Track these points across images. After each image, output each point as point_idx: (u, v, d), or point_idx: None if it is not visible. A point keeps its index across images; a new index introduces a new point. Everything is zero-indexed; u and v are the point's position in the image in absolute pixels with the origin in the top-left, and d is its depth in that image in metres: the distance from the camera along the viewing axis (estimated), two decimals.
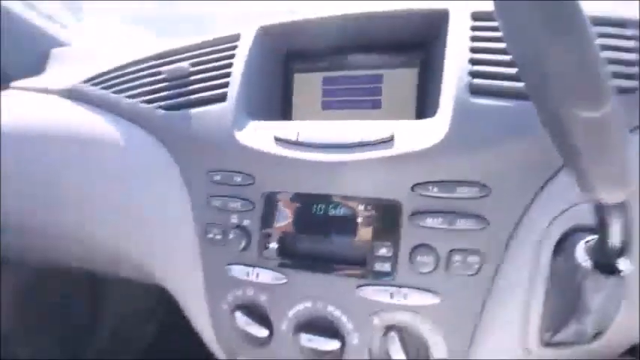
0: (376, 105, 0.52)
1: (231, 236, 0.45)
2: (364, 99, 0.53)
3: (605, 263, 0.32)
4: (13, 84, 0.79)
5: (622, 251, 0.31)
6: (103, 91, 0.59)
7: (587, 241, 0.34)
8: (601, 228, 0.29)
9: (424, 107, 0.49)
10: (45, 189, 0.59)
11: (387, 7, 0.47)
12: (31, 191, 0.60)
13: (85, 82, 0.62)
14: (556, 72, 0.23)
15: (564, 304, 0.37)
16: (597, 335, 0.38)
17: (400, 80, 0.51)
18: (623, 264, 0.32)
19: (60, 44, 0.89)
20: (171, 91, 0.52)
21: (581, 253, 0.34)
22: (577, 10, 0.22)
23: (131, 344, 1.11)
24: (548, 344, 0.40)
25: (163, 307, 1.15)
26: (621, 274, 0.32)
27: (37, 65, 0.84)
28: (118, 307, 1.08)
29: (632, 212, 0.29)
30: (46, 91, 0.68)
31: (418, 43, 0.49)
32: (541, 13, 0.22)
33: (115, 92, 0.57)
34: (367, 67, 0.53)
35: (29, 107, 0.67)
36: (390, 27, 0.48)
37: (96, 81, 0.60)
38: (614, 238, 0.29)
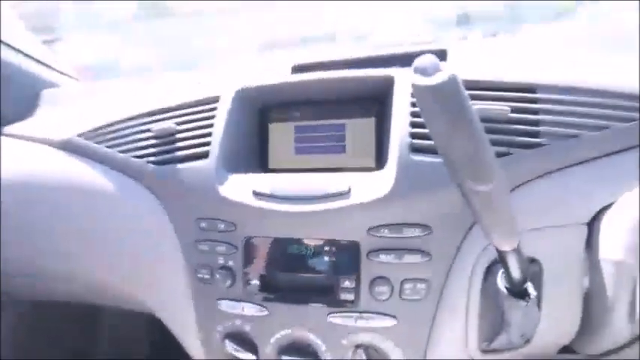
0: (341, 150, 0.60)
1: (218, 276, 0.53)
2: (331, 144, 0.61)
3: (517, 289, 0.41)
4: (5, 130, 0.83)
5: (524, 281, 0.40)
6: (97, 145, 0.65)
7: (502, 272, 0.42)
8: (503, 266, 0.38)
9: (382, 151, 0.57)
10: (48, 236, 0.65)
11: (343, 73, 0.56)
12: (32, 238, 0.66)
13: (79, 135, 0.68)
14: (456, 156, 0.32)
15: (494, 319, 0.46)
16: (527, 341, 0.47)
17: (360, 128, 0.59)
18: (530, 289, 0.41)
19: (48, 85, 0.94)
20: (160, 148, 0.59)
21: (500, 281, 0.43)
22: (468, 117, 0.30)
23: None
24: (486, 351, 0.49)
25: (156, 332, 1.20)
26: (529, 297, 0.41)
27: (26, 109, 0.89)
28: (113, 331, 1.13)
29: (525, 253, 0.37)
30: (41, 141, 0.74)
31: (374, 98, 0.57)
32: (441, 120, 0.30)
33: (107, 147, 0.64)
34: (332, 116, 0.60)
35: (25, 157, 0.73)
36: (348, 87, 0.57)
37: (90, 135, 0.66)
38: (514, 273, 0.38)
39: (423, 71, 0.29)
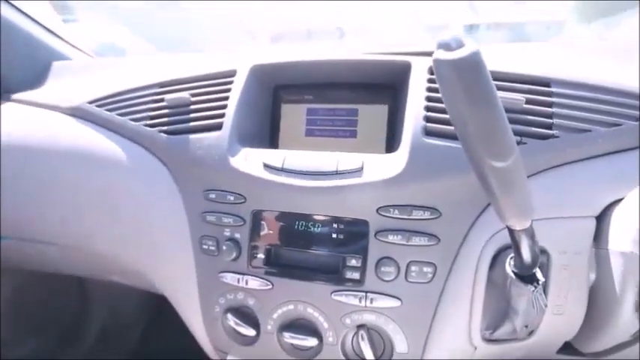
0: (352, 135, 0.60)
1: (224, 248, 0.52)
2: (342, 129, 0.61)
3: (526, 274, 0.41)
4: (15, 96, 0.83)
5: (534, 265, 0.39)
6: (108, 112, 0.65)
7: (511, 257, 0.42)
8: (514, 247, 0.38)
9: (393, 138, 0.57)
10: (52, 202, 0.64)
11: (361, 56, 0.56)
12: (38, 204, 0.65)
13: (91, 102, 0.68)
14: (475, 133, 0.32)
15: (499, 306, 0.46)
16: (530, 333, 0.47)
17: (373, 114, 0.60)
18: (538, 275, 0.41)
19: (61, 57, 0.94)
20: (173, 118, 0.59)
21: (508, 267, 0.43)
22: (490, 92, 0.30)
23: (119, 342, 1.15)
24: (489, 340, 0.48)
25: (149, 310, 1.19)
26: (538, 282, 0.41)
27: (37, 77, 0.88)
28: (105, 308, 1.12)
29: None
30: (50, 107, 0.73)
31: (389, 84, 0.58)
32: (462, 95, 0.30)
33: (119, 114, 0.64)
34: (345, 101, 0.61)
35: (34, 122, 0.72)
36: (364, 71, 0.57)
37: (101, 102, 0.66)
38: (525, 255, 0.38)
39: (447, 46, 0.29)
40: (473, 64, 0.29)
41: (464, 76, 0.29)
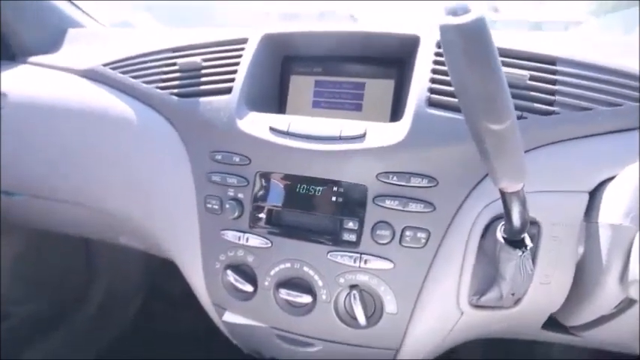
0: (357, 108, 0.62)
1: (227, 206, 0.55)
2: (348, 102, 0.62)
3: (515, 240, 0.43)
4: (31, 59, 0.85)
5: (523, 230, 0.41)
6: (121, 75, 0.67)
7: (502, 224, 0.44)
8: (505, 211, 0.39)
9: (397, 113, 0.58)
10: (64, 161, 0.67)
11: (371, 29, 0.57)
12: (51, 162, 0.68)
13: (105, 65, 0.70)
14: (475, 96, 0.33)
15: (488, 274, 0.47)
16: (517, 302, 0.49)
17: (379, 89, 0.61)
18: (527, 240, 0.43)
19: (77, 25, 0.95)
20: (184, 81, 0.60)
21: (499, 232, 0.44)
22: (490, 57, 0.31)
23: (120, 310, 1.19)
24: (476, 306, 0.50)
25: (152, 278, 1.23)
26: (526, 247, 0.43)
27: (53, 42, 0.90)
28: (109, 273, 1.16)
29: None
30: (64, 69, 0.76)
31: (396, 59, 0.59)
32: (465, 59, 0.31)
33: (132, 77, 0.66)
34: (353, 75, 0.62)
35: (48, 83, 0.75)
36: (372, 44, 0.58)
37: (115, 65, 0.68)
38: (515, 219, 0.39)
39: (453, 12, 0.30)
40: (477, 29, 0.30)
41: (467, 40, 0.30)
